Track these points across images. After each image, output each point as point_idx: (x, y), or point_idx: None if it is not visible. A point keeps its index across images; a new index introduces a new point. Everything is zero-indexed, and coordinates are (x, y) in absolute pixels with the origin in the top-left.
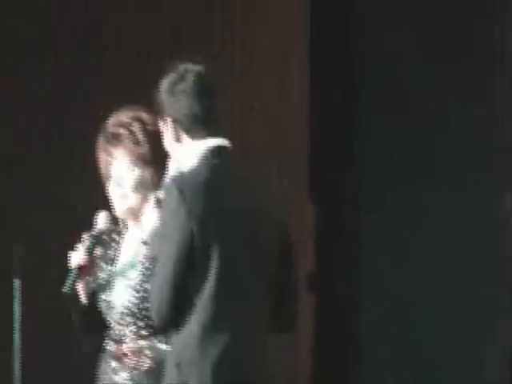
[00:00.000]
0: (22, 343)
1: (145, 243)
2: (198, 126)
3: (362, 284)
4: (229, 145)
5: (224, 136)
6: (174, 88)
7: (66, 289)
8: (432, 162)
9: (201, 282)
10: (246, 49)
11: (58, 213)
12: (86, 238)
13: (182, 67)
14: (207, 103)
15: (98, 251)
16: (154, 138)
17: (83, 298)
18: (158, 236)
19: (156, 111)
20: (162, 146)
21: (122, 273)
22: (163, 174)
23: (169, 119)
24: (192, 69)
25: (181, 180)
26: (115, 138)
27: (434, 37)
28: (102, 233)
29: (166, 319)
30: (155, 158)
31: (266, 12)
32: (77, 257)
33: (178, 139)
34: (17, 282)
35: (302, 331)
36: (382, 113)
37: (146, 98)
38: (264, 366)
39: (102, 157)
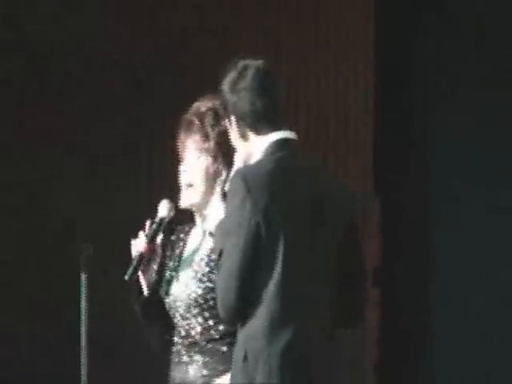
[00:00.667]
0: (88, 339)
1: (211, 235)
2: (261, 121)
3: (428, 281)
4: (294, 137)
5: (289, 128)
6: (235, 86)
7: (127, 276)
8: (504, 163)
9: (267, 274)
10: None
11: (125, 210)
12: (147, 226)
13: (241, 64)
14: (268, 98)
15: (159, 239)
16: (228, 134)
17: (145, 289)
18: (223, 228)
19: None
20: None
21: (188, 265)
22: (231, 168)
23: (233, 117)
24: (251, 65)
25: (245, 173)
26: (188, 127)
27: None
28: (163, 220)
29: (232, 312)
30: (224, 152)
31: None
32: (138, 244)
33: (243, 136)
34: (83, 277)
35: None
36: (452, 113)
37: None
38: (329, 358)
39: (179, 141)
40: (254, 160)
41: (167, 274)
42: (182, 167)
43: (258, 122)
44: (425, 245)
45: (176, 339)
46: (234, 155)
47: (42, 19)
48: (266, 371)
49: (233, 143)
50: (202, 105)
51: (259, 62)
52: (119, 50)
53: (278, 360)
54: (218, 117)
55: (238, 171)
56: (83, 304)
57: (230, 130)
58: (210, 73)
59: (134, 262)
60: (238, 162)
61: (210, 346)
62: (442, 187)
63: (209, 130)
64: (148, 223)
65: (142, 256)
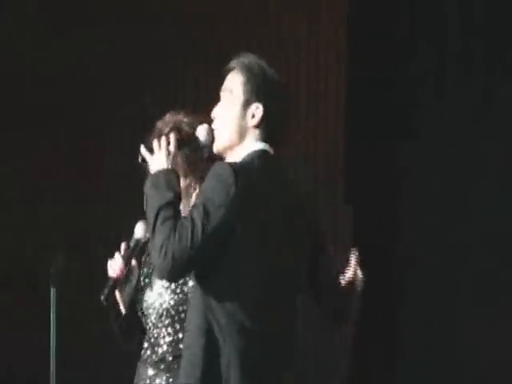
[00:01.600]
0: (58, 351)
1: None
2: (273, 132)
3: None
4: (271, 151)
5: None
6: (277, 89)
7: (103, 298)
8: (474, 173)
9: (237, 270)
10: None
11: (98, 223)
12: (123, 248)
13: (282, 79)
14: (287, 121)
15: (135, 260)
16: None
17: (122, 307)
18: (197, 200)
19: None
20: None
21: None
22: (198, 183)
23: (261, 107)
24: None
25: (235, 165)
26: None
27: None
28: (139, 242)
29: (174, 274)
30: (192, 168)
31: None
32: (114, 267)
33: (256, 126)
34: (53, 291)
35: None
36: (419, 125)
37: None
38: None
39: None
40: (235, 152)
41: (142, 280)
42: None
43: (271, 131)
44: (394, 256)
45: (145, 345)
46: (203, 168)
47: None
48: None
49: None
50: (164, 125)
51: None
52: None
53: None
54: (181, 135)
55: (227, 162)
56: (52, 319)
57: (236, 96)
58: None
59: (110, 284)
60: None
61: (175, 365)
62: (414, 199)
63: (173, 150)
64: (123, 245)
65: (117, 278)
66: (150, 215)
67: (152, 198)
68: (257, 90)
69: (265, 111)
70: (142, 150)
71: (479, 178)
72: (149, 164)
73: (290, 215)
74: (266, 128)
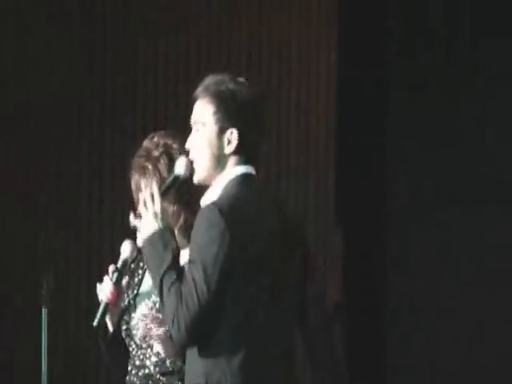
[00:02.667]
0: (49, 372)
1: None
2: (251, 151)
3: (390, 315)
4: (254, 173)
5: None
6: (249, 107)
7: (95, 323)
8: (463, 188)
9: (231, 307)
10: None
11: (85, 243)
12: (112, 271)
13: (254, 87)
14: (264, 134)
15: (125, 281)
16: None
17: (110, 327)
18: (193, 254)
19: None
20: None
21: (147, 296)
22: (187, 208)
23: (235, 132)
24: (263, 94)
25: (222, 205)
26: (142, 171)
27: None
28: (127, 262)
29: (191, 342)
30: (181, 194)
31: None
32: (104, 290)
33: (234, 153)
34: (44, 311)
35: None
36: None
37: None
38: None
39: (132, 184)
40: (216, 183)
41: (125, 302)
42: (139, 208)
43: (249, 151)
44: (384, 276)
45: (130, 368)
46: (191, 196)
47: None
48: None
49: (199, 142)
50: (154, 147)
51: (263, 92)
52: None
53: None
54: (172, 160)
55: (213, 204)
56: (44, 340)
57: (209, 130)
58: None
59: (102, 309)
60: (185, 164)
61: (164, 380)
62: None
63: (164, 173)
64: (111, 267)
65: (109, 302)
66: (155, 281)
67: (152, 263)
68: (229, 116)
69: (240, 135)
70: (132, 219)
71: (472, 194)
72: (140, 229)
73: (280, 239)
74: (244, 150)
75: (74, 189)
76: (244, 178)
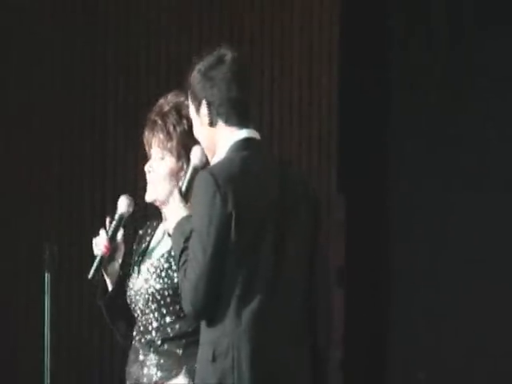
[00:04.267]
0: (51, 337)
1: (169, 236)
2: (233, 111)
3: (391, 281)
4: (258, 137)
5: (255, 126)
6: (212, 71)
7: (90, 276)
8: (465, 163)
9: (236, 273)
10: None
11: (89, 208)
12: (107, 223)
13: (218, 52)
14: (243, 89)
15: (120, 235)
16: (191, 133)
17: (109, 286)
18: (194, 225)
19: (187, 95)
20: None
21: (149, 259)
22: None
23: (204, 102)
24: (230, 53)
25: (213, 170)
26: (152, 126)
27: None
28: (123, 217)
29: (200, 309)
30: (187, 151)
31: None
32: (100, 243)
33: (211, 122)
34: (47, 276)
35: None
36: (415, 111)
37: None
38: (302, 357)
39: (145, 140)
40: (219, 154)
41: (131, 266)
42: (147, 166)
43: (230, 111)
44: (386, 244)
45: (134, 334)
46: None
47: None
48: (236, 373)
49: (195, 133)
50: (165, 103)
51: (237, 54)
52: None
53: (247, 361)
54: (180, 116)
55: (205, 170)
56: (47, 304)
57: (193, 118)
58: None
59: (97, 261)
60: (199, 153)
61: (165, 346)
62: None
63: (171, 129)
64: (108, 220)
65: (103, 255)
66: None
67: (178, 247)
68: (196, 91)
69: (208, 102)
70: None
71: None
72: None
73: (281, 201)
74: (230, 115)
75: (76, 189)
76: (243, 143)
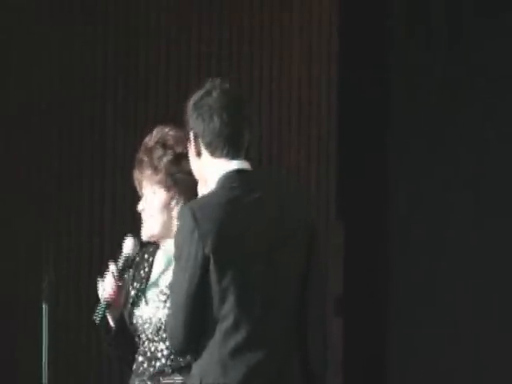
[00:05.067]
0: (49, 367)
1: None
2: (218, 142)
3: (390, 308)
4: (249, 168)
5: (248, 156)
6: (199, 102)
7: (96, 320)
8: (469, 173)
9: (218, 307)
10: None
11: (86, 238)
12: (113, 266)
13: (210, 83)
14: (229, 120)
15: (126, 276)
16: (179, 162)
17: (112, 324)
18: (174, 257)
19: (183, 128)
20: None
21: (155, 287)
22: (188, 196)
23: (191, 133)
24: (219, 85)
25: (193, 205)
26: (140, 165)
27: None
28: (129, 259)
29: (182, 344)
30: (177, 180)
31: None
32: (106, 287)
33: (198, 154)
34: (45, 307)
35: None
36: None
37: None
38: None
39: (136, 181)
40: (209, 187)
41: (133, 294)
42: (139, 205)
43: (214, 142)
44: (386, 269)
45: (140, 359)
46: (188, 182)
47: None
48: None
49: (190, 162)
50: (150, 140)
51: (227, 84)
52: None
53: None
54: (165, 147)
55: (187, 204)
56: (45, 337)
57: (189, 148)
58: None
59: (103, 306)
60: (200, 188)
61: (176, 376)
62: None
63: (156, 162)
64: (112, 264)
65: (110, 299)
66: None
67: None
68: (188, 122)
69: (195, 133)
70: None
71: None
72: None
73: (272, 241)
74: (211, 145)
75: (75, 189)
76: (231, 175)
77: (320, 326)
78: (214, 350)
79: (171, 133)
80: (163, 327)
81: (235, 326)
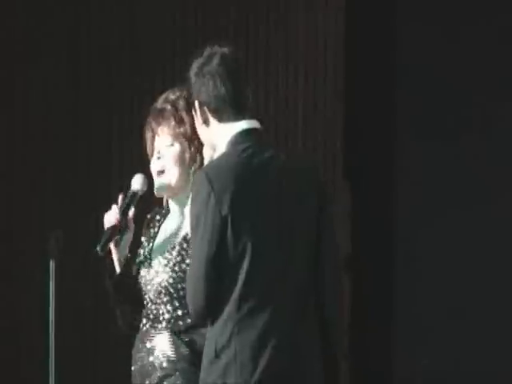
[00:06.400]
0: (56, 325)
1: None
2: (224, 107)
3: (395, 268)
4: (258, 126)
5: (255, 118)
6: (201, 70)
7: (99, 248)
8: (470, 159)
9: (235, 270)
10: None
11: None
12: (120, 199)
13: (208, 50)
14: (232, 84)
15: (131, 212)
16: None
17: (117, 266)
18: (190, 226)
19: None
20: None
21: (161, 251)
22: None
23: (196, 102)
24: (218, 51)
25: (207, 168)
26: (161, 114)
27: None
28: (136, 194)
29: (201, 311)
30: (199, 137)
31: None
32: (110, 217)
33: (205, 122)
34: (52, 264)
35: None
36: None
37: None
38: (307, 355)
39: (147, 134)
40: (218, 150)
41: (141, 254)
42: (154, 155)
43: (221, 108)
44: (390, 231)
45: (144, 320)
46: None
47: None
48: (238, 365)
49: (198, 130)
50: (171, 93)
51: (226, 49)
52: None
53: (249, 353)
54: (189, 103)
55: (201, 169)
56: (51, 292)
57: (195, 117)
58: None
59: (107, 234)
60: (206, 153)
61: (181, 337)
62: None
63: (183, 114)
64: (121, 196)
65: (114, 228)
66: None
67: None
68: (192, 91)
69: (200, 102)
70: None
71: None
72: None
73: (286, 201)
74: (217, 111)
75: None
76: (241, 135)
77: (336, 285)
78: (230, 313)
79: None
80: (163, 291)
81: (250, 290)
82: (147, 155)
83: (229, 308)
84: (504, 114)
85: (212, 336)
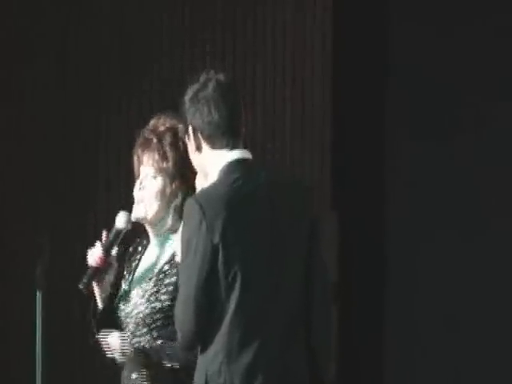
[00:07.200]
0: (43, 354)
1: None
2: (216, 134)
3: (385, 295)
4: (249, 156)
5: (245, 146)
6: (196, 96)
7: (81, 285)
8: (461, 180)
9: (226, 297)
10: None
11: (81, 219)
12: (104, 236)
13: (204, 76)
14: (226, 111)
15: (115, 251)
16: (185, 152)
17: (100, 303)
18: (181, 251)
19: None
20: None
21: (138, 283)
22: (187, 187)
23: (190, 127)
24: (213, 77)
25: (199, 196)
26: (146, 144)
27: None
28: (120, 232)
29: (191, 336)
30: (182, 174)
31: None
32: (94, 255)
33: (198, 148)
34: (39, 295)
35: None
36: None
37: None
38: (295, 381)
39: (134, 157)
40: (210, 179)
41: (122, 287)
42: (137, 183)
43: (214, 134)
44: (381, 259)
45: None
46: (191, 177)
47: None
48: None
49: (190, 158)
50: (160, 124)
51: (221, 75)
52: None
53: (238, 381)
54: (176, 137)
55: (192, 196)
56: (38, 324)
57: (187, 143)
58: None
59: (89, 272)
60: (199, 181)
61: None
62: (399, 204)
63: (167, 149)
64: (104, 233)
65: (97, 268)
66: None
67: None
68: (185, 117)
69: (193, 127)
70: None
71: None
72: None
73: (277, 229)
74: (210, 138)
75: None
76: (232, 165)
77: (325, 312)
78: (220, 342)
79: (180, 125)
80: (141, 322)
81: (241, 319)
82: (134, 155)
83: (219, 337)
84: (497, 114)
85: (202, 363)
